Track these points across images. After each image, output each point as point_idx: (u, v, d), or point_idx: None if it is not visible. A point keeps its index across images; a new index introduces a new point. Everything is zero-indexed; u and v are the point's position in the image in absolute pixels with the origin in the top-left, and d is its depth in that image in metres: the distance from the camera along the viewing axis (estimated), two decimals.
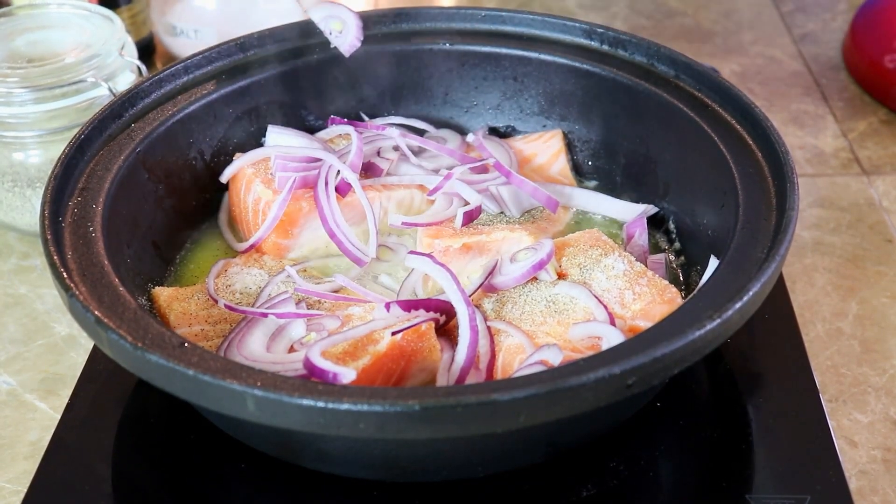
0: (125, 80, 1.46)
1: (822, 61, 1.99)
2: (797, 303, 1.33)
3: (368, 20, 1.41)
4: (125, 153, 1.18)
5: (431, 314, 1.07)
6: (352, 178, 1.24)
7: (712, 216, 1.18)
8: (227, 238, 1.31)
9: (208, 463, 1.06)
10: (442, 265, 1.10)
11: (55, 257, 0.99)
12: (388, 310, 1.08)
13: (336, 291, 1.15)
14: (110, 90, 1.40)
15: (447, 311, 1.09)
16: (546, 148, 1.38)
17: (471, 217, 1.22)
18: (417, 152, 1.37)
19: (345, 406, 0.82)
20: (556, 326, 1.07)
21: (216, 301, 1.12)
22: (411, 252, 1.16)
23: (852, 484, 1.09)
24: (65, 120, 1.40)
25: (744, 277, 0.97)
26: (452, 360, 1.06)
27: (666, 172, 1.30)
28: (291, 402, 0.83)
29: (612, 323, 1.06)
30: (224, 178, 1.31)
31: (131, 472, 1.07)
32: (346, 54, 1.33)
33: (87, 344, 1.29)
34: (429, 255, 1.13)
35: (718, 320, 0.89)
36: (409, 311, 1.07)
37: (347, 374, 0.95)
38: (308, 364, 0.97)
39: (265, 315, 1.08)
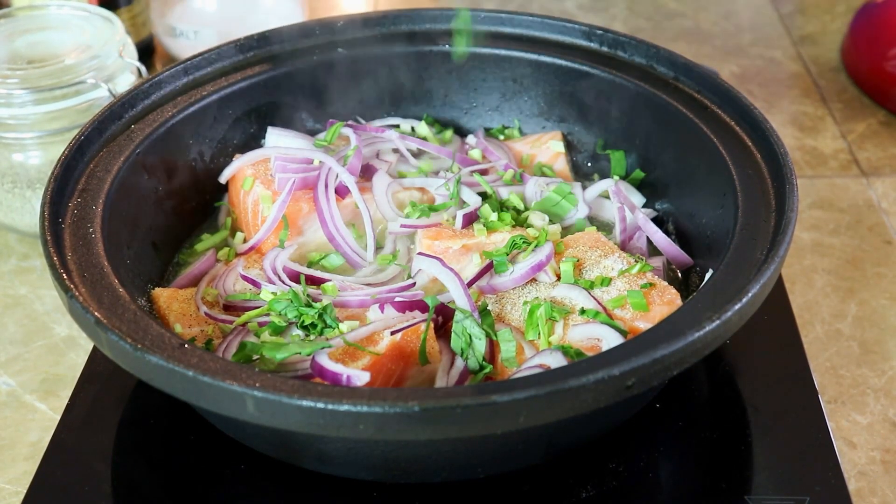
0: (125, 82, 1.46)
1: (822, 63, 2.00)
2: (796, 304, 1.33)
3: (368, 21, 1.41)
4: (125, 154, 1.18)
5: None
6: (349, 181, 1.24)
7: (711, 217, 1.18)
8: (227, 239, 1.31)
9: (208, 464, 1.06)
10: (451, 269, 1.10)
11: (55, 258, 0.99)
12: (382, 310, 1.08)
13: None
14: (110, 91, 1.41)
15: (444, 312, 1.09)
16: (545, 149, 1.38)
17: (470, 219, 1.22)
18: (417, 154, 1.37)
19: (344, 407, 0.82)
20: (555, 328, 1.07)
21: (199, 308, 1.13)
22: (420, 253, 1.16)
23: (851, 485, 1.09)
24: (65, 121, 1.40)
25: (743, 279, 0.97)
26: (452, 362, 1.06)
27: (665, 174, 1.31)
28: (291, 403, 0.83)
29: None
30: (223, 179, 1.31)
31: (131, 473, 1.07)
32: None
33: (86, 345, 1.29)
34: (438, 258, 1.13)
35: (717, 321, 0.89)
36: (405, 312, 1.08)
37: (361, 377, 0.95)
38: (317, 367, 0.98)
39: (244, 327, 1.09)
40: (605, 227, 1.29)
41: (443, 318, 1.10)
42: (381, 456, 0.99)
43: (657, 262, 1.21)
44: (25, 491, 1.03)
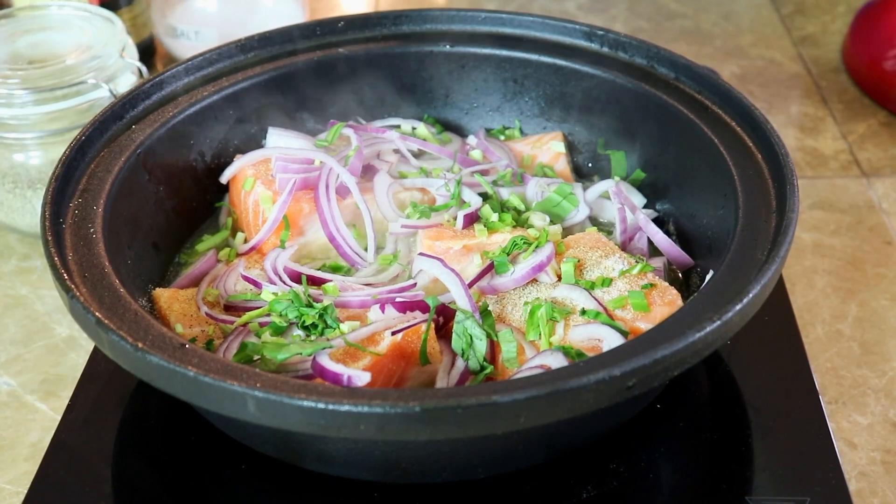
0: (126, 82, 1.46)
1: (822, 63, 2.00)
2: (797, 305, 1.33)
3: (369, 22, 1.42)
4: (126, 154, 1.18)
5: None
6: (350, 181, 1.24)
7: (712, 218, 1.18)
8: (228, 239, 1.31)
9: (209, 464, 1.06)
10: (452, 269, 1.11)
11: (56, 258, 0.99)
12: (382, 311, 1.08)
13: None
14: (111, 92, 1.41)
15: (445, 313, 1.09)
16: (546, 150, 1.38)
17: (471, 219, 1.22)
18: (417, 155, 1.37)
19: (345, 407, 0.82)
20: (556, 328, 1.07)
21: (199, 308, 1.13)
22: (421, 254, 1.16)
23: (852, 486, 1.09)
24: (65, 121, 1.40)
25: (744, 279, 0.97)
26: (453, 362, 1.06)
27: (666, 174, 1.31)
28: (292, 404, 0.83)
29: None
30: (224, 179, 1.31)
31: (131, 473, 1.07)
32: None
33: (87, 345, 1.29)
34: (439, 259, 1.13)
35: (718, 322, 0.89)
36: (406, 313, 1.08)
37: (362, 377, 0.95)
38: (318, 368, 0.98)
39: (245, 328, 1.09)
40: (605, 228, 1.29)
41: (443, 318, 1.10)
42: (382, 456, 0.99)
43: (658, 262, 1.21)
44: (26, 491, 1.04)
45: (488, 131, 1.46)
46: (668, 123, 1.27)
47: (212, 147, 1.33)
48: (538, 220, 1.23)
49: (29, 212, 1.45)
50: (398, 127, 1.41)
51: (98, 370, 1.16)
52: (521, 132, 1.45)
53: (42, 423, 1.21)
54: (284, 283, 1.16)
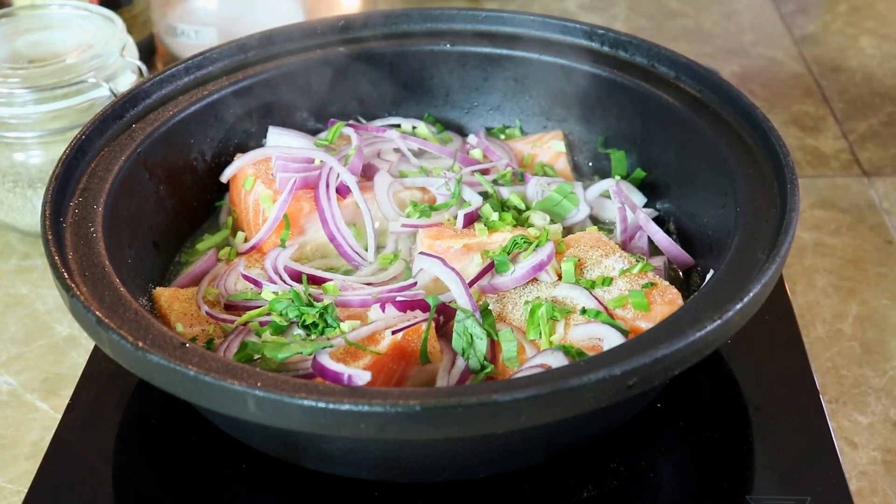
0: (126, 81, 1.46)
1: (823, 63, 2.00)
2: (797, 304, 1.33)
3: (369, 21, 1.42)
4: (126, 154, 1.18)
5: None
6: (350, 181, 1.24)
7: (712, 217, 1.18)
8: (228, 238, 1.31)
9: (209, 463, 1.06)
10: (452, 269, 1.11)
11: (56, 258, 0.99)
12: (383, 310, 1.08)
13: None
14: (111, 91, 1.41)
15: (445, 312, 1.09)
16: (547, 149, 1.38)
17: (471, 218, 1.22)
18: (418, 154, 1.37)
19: (346, 406, 0.82)
20: (556, 327, 1.07)
21: (200, 307, 1.13)
22: (421, 253, 1.16)
23: (852, 485, 1.09)
24: (66, 120, 1.40)
25: (744, 279, 0.97)
26: (453, 362, 1.06)
27: (666, 173, 1.31)
28: (292, 403, 0.83)
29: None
30: (224, 178, 1.31)
31: (132, 472, 1.07)
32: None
33: (87, 344, 1.29)
34: (439, 258, 1.13)
35: (719, 321, 0.89)
36: (406, 312, 1.08)
37: (363, 376, 0.95)
38: (318, 367, 0.98)
39: (245, 327, 1.09)
40: (606, 227, 1.29)
41: (444, 317, 1.10)
42: (383, 455, 0.99)
43: (658, 261, 1.21)
44: (26, 490, 1.04)
45: (489, 130, 1.46)
46: (668, 122, 1.27)
47: (212, 146, 1.33)
48: (538, 219, 1.23)
49: (29, 211, 1.45)
50: (398, 126, 1.41)
51: (98, 369, 1.16)
52: (522, 131, 1.45)
53: (42, 422, 1.21)
54: (285, 282, 1.16)
